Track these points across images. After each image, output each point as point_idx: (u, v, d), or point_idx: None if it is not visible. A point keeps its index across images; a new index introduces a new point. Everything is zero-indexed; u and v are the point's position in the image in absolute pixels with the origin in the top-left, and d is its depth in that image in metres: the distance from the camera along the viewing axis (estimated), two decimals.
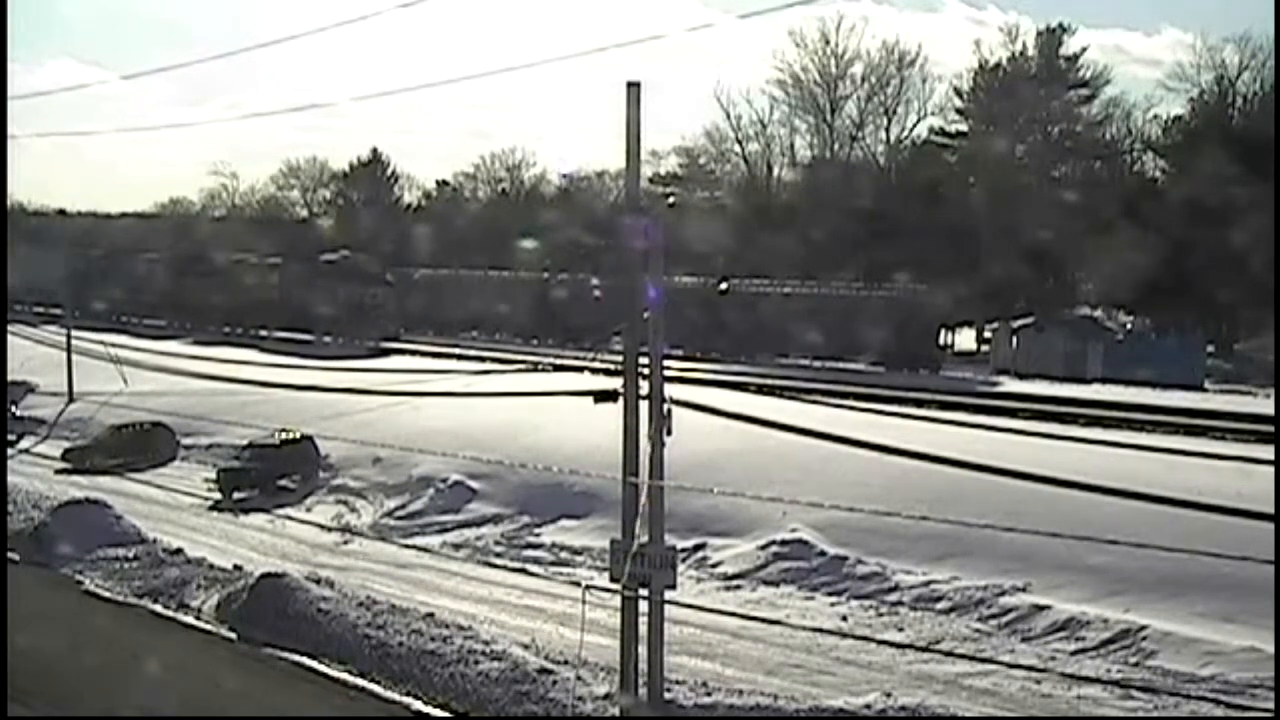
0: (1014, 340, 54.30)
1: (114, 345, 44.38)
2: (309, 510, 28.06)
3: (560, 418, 28.90)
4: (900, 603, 19.85)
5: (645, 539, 14.59)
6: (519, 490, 26.16)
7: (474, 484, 27.12)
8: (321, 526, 26.02)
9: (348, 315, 56.79)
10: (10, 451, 33.62)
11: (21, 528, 24.88)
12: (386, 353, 51.62)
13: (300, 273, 60.98)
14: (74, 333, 42.37)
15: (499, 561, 23.26)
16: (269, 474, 29.87)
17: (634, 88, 14.17)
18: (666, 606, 15.01)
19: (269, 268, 64.15)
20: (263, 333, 59.94)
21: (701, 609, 17.93)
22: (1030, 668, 16.64)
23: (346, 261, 60.54)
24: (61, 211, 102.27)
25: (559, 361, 45.74)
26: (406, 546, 23.90)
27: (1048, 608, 18.66)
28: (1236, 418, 31.32)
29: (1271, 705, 14.77)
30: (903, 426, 29.67)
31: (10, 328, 43.47)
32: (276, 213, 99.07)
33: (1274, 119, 52.85)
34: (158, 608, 20.85)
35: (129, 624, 20.27)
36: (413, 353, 51.14)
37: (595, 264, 57.47)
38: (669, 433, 14.38)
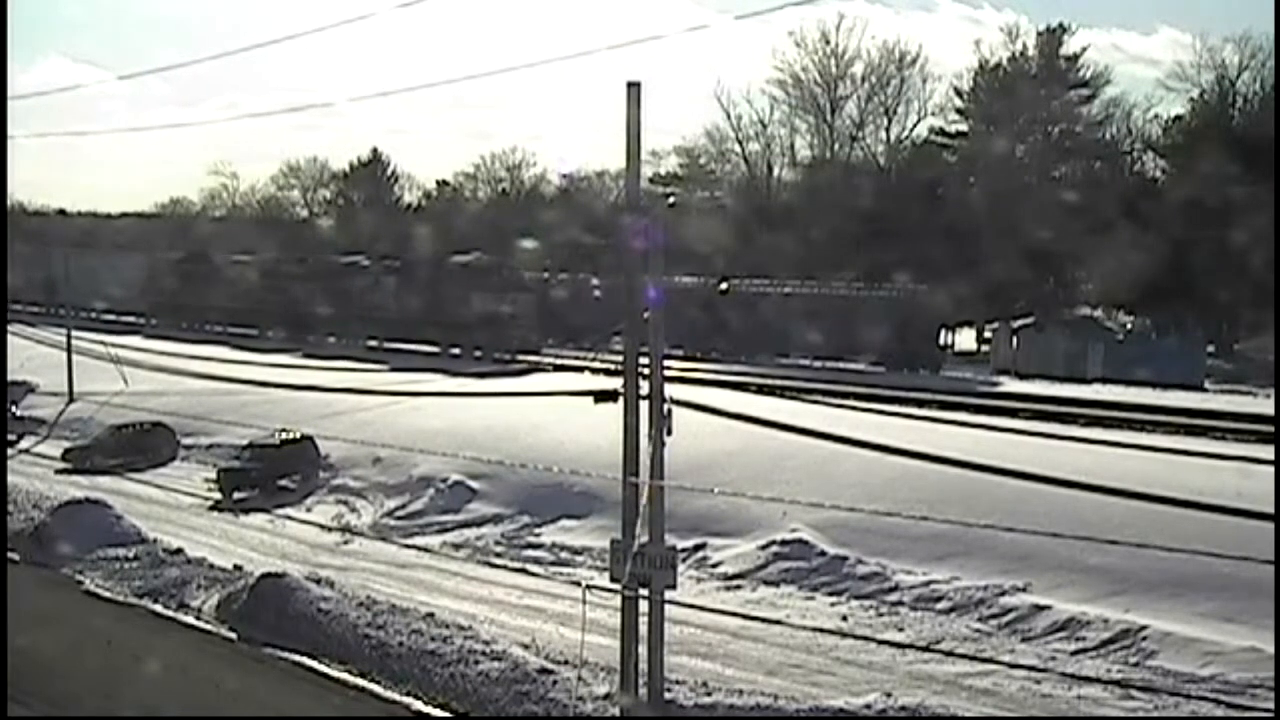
0: (1014, 340, 54.29)
1: (213, 360, 42.69)
2: (309, 510, 28.02)
3: (560, 418, 28.92)
4: (900, 603, 19.82)
5: (645, 539, 14.60)
6: (519, 490, 26.14)
7: (474, 484, 27.11)
8: (321, 526, 26.00)
9: (481, 325, 49.88)
10: (10, 451, 33.61)
11: (21, 528, 24.86)
12: (535, 368, 45.27)
13: (424, 277, 53.99)
14: (160, 344, 41.04)
15: (499, 561, 23.23)
16: (269, 474, 29.85)
17: (634, 88, 14.16)
18: (667, 606, 15.00)
19: (384, 270, 56.68)
20: (371, 342, 53.66)
21: (702, 609, 17.91)
22: (1030, 668, 16.61)
23: (480, 263, 53.79)
24: (61, 211, 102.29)
25: (559, 361, 45.79)
26: (406, 546, 23.87)
27: (1048, 608, 18.62)
28: (1236, 418, 31.31)
29: (1271, 705, 14.76)
30: (903, 426, 29.65)
31: (10, 328, 43.49)
32: (276, 213, 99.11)
33: (1274, 119, 52.87)
34: (158, 608, 20.82)
35: (129, 624, 20.23)
36: (559, 368, 44.14)
37: (595, 264, 57.44)
38: (669, 433, 14.38)
